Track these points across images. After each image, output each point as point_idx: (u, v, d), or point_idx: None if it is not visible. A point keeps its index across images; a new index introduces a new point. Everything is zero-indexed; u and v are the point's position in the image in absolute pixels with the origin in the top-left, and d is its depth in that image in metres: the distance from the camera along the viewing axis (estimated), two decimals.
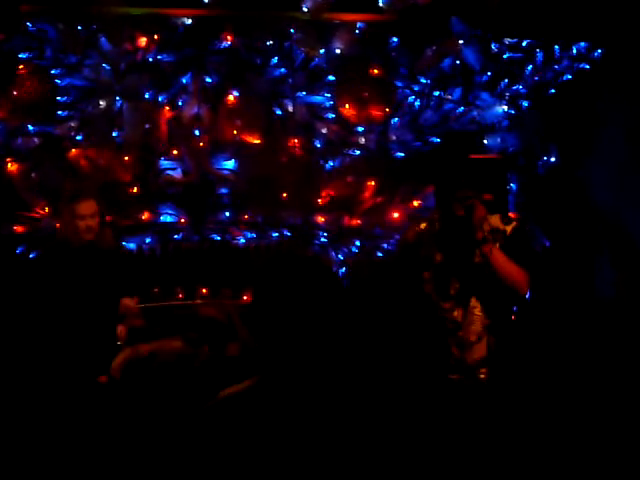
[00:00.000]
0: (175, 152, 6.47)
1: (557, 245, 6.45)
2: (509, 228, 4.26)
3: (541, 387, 4.50)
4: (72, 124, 6.41)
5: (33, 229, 6.28)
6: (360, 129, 6.55)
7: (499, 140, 6.47)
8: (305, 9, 6.37)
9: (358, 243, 6.53)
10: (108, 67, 6.39)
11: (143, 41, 6.37)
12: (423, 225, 4.39)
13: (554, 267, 6.38)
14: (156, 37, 6.38)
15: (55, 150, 6.38)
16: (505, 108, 6.59)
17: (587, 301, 6.25)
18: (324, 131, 6.55)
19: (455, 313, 4.20)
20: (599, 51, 6.50)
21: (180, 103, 6.47)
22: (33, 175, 6.33)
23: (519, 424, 3.05)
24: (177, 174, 6.50)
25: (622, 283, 6.44)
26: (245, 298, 6.36)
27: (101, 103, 6.40)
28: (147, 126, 6.42)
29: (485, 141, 6.55)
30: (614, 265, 6.41)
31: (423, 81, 6.58)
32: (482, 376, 4.11)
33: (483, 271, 4.14)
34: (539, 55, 6.52)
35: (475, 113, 6.59)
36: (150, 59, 6.41)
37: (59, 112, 6.39)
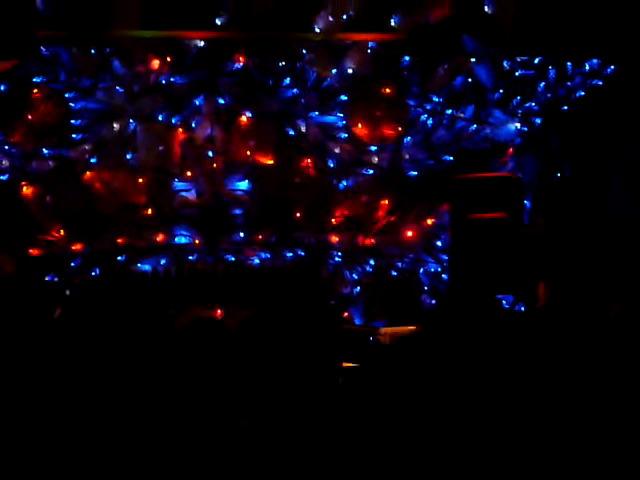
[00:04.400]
0: (189, 174, 6.67)
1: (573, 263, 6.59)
2: None
3: None
4: (86, 147, 6.65)
5: (48, 252, 6.48)
6: (373, 148, 6.77)
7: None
8: (317, 30, 6.57)
9: (372, 262, 6.71)
10: (121, 90, 6.63)
11: (156, 63, 6.61)
12: None
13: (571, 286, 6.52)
14: (169, 59, 6.62)
15: (69, 173, 6.59)
16: (518, 125, 6.76)
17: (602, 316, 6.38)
18: (337, 151, 6.77)
19: None
20: (612, 67, 6.67)
21: (193, 125, 6.70)
22: (48, 198, 6.54)
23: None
24: (191, 195, 6.70)
25: None
26: None
27: (115, 126, 6.64)
28: (161, 148, 6.63)
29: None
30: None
31: (435, 100, 6.77)
32: None
33: None
34: (551, 72, 6.71)
35: (488, 131, 6.77)
36: (163, 81, 6.65)
37: (73, 135, 6.64)
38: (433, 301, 6.76)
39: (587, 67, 6.72)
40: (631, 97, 6.53)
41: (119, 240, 6.55)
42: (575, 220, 6.51)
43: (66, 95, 6.59)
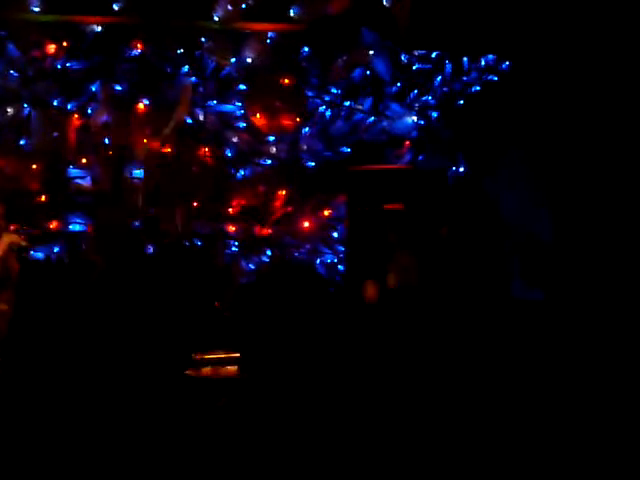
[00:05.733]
0: (84, 160, 6.61)
1: (469, 253, 6.74)
2: None
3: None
4: None
5: None
6: (271, 138, 6.82)
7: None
8: (216, 18, 6.57)
9: (269, 252, 6.75)
10: (16, 74, 6.53)
11: (52, 48, 6.55)
12: None
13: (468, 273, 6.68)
14: (65, 44, 6.56)
15: None
16: (415, 119, 6.86)
17: (501, 303, 6.54)
18: (235, 140, 6.81)
19: None
20: (507, 63, 6.81)
21: (89, 111, 6.64)
22: None
23: None
24: (86, 182, 6.65)
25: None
26: None
27: (8, 110, 6.54)
28: (55, 134, 6.57)
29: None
30: (523, 270, 6.72)
31: (334, 91, 6.83)
32: None
33: None
34: (448, 66, 6.83)
35: (385, 123, 6.86)
36: (59, 66, 6.58)
37: None
38: (331, 289, 6.83)
39: (483, 62, 6.86)
40: (524, 93, 6.69)
41: (11, 227, 6.46)
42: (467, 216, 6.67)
43: None
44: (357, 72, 6.81)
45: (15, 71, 6.54)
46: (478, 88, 6.87)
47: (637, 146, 6.36)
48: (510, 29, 6.57)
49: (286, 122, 6.69)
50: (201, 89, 6.74)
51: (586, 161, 6.36)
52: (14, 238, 5.54)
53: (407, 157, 6.88)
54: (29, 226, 6.51)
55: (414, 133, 6.90)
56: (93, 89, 6.64)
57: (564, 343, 5.93)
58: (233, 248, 6.75)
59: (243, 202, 6.77)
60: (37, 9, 6.44)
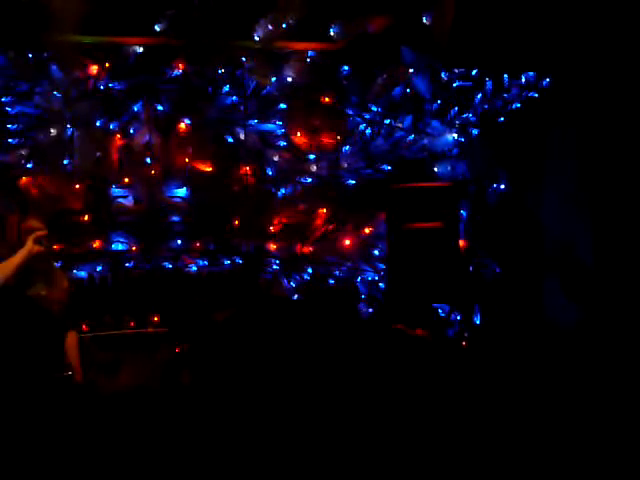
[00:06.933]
0: (126, 180, 6.70)
1: (507, 271, 6.74)
2: None
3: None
4: (23, 152, 6.64)
5: None
6: (312, 157, 6.86)
7: (449, 168, 6.77)
8: (257, 38, 6.63)
9: (310, 270, 6.78)
10: (59, 95, 6.62)
11: (94, 69, 6.63)
12: None
13: (504, 293, 6.68)
14: (107, 65, 6.64)
15: (5, 178, 6.56)
16: (455, 136, 6.89)
17: (536, 325, 6.54)
18: (276, 159, 6.85)
19: None
20: (547, 80, 6.82)
21: (131, 131, 6.74)
22: None
23: None
24: (128, 202, 6.74)
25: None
26: None
27: (52, 131, 6.63)
28: (98, 154, 6.65)
29: (436, 169, 6.85)
30: (563, 290, 6.71)
31: (374, 109, 6.87)
32: None
33: None
34: (488, 84, 6.85)
35: (425, 141, 6.90)
36: (101, 87, 6.67)
37: (9, 140, 6.61)
38: (370, 309, 6.86)
39: (523, 79, 6.87)
40: (563, 109, 6.70)
41: (55, 246, 6.54)
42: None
43: (2, 99, 6.57)
44: (397, 90, 6.85)
45: (58, 92, 6.63)
46: (518, 105, 6.89)
47: None
48: (550, 46, 6.59)
49: (326, 140, 6.76)
50: (242, 108, 6.80)
51: (632, 178, 6.35)
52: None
53: (448, 174, 6.90)
54: (72, 245, 6.61)
55: (455, 150, 6.93)
56: (135, 109, 6.72)
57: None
58: (274, 266, 6.80)
59: (284, 220, 6.82)
60: (79, 30, 6.52)
